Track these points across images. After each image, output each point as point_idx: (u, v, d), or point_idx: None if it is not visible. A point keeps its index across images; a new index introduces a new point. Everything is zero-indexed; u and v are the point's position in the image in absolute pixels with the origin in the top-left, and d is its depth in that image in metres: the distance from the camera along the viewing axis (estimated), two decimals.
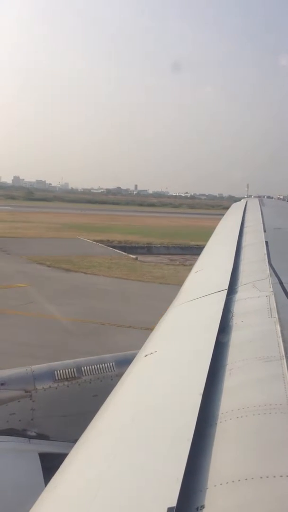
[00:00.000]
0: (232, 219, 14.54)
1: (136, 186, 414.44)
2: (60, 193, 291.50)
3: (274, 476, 1.83)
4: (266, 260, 6.20)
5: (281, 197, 32.79)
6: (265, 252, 6.83)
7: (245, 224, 11.46)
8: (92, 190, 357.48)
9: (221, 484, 1.88)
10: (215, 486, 1.89)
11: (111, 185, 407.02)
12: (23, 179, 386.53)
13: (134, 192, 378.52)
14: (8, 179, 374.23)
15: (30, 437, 6.09)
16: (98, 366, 6.64)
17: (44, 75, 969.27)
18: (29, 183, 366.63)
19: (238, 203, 21.20)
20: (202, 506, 1.79)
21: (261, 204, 17.74)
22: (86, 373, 6.54)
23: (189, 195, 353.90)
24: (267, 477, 1.84)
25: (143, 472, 2.12)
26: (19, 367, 6.65)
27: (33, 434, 6.13)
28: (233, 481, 1.87)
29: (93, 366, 6.63)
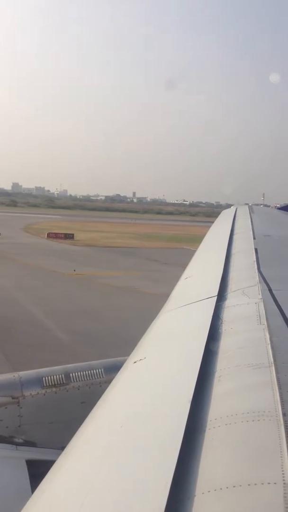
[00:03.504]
0: (222, 226, 14.60)
1: (134, 193, 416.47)
2: (80, 201, 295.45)
3: (262, 483, 1.83)
4: (256, 267, 6.22)
5: (278, 205, 33.03)
6: (255, 259, 6.85)
7: (235, 231, 11.50)
8: (91, 197, 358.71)
9: (209, 491, 1.87)
10: (203, 493, 1.88)
11: (108, 192, 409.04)
12: (22, 186, 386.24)
13: (134, 200, 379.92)
14: (6, 186, 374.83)
15: (17, 444, 6.03)
16: (86, 372, 6.61)
17: (42, 82, 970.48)
18: (27, 190, 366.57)
19: (228, 210, 21.29)
20: None
21: (251, 211, 17.83)
22: (75, 380, 6.51)
23: (187, 203, 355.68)
24: (255, 484, 1.83)
25: (131, 480, 2.11)
26: (6, 374, 6.60)
27: (20, 441, 6.08)
28: (221, 489, 1.86)
29: (81, 373, 6.59)
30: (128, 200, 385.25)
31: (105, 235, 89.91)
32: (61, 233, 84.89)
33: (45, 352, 21.19)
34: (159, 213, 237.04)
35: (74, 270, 47.33)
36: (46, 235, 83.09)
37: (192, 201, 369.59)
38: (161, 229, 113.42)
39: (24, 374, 6.56)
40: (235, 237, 10.44)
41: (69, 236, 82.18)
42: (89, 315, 30.56)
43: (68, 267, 49.17)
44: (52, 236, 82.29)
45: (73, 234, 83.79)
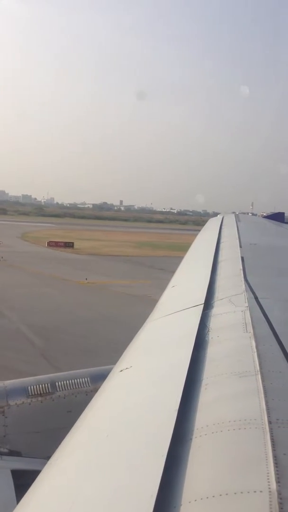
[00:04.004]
0: (208, 234, 14.66)
1: (121, 201, 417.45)
2: (68, 209, 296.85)
3: (248, 492, 1.83)
4: (242, 275, 6.25)
5: (264, 214, 33.36)
6: (241, 267, 6.89)
7: (221, 240, 11.56)
8: (78, 205, 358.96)
9: (195, 500, 1.87)
10: (189, 502, 1.87)
11: (95, 200, 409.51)
12: (8, 193, 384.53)
13: (122, 208, 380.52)
14: None
15: (2, 454, 5.97)
16: (72, 381, 6.57)
17: (25, 89, 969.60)
18: (14, 198, 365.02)
19: (214, 218, 21.40)
20: None
21: (237, 220, 17.94)
22: (61, 389, 6.47)
23: (175, 211, 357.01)
24: (241, 492, 1.83)
25: (117, 489, 2.09)
26: None
27: (5, 450, 6.01)
28: (207, 497, 1.85)
29: (67, 381, 6.56)
30: (116, 208, 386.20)
31: (104, 244, 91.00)
32: (61, 242, 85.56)
33: (94, 359, 21.31)
34: (149, 221, 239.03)
35: (86, 279, 48.11)
36: (46, 243, 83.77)
37: (180, 209, 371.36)
38: (157, 238, 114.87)
39: (9, 383, 6.51)
40: (221, 245, 10.49)
41: (69, 245, 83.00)
42: (116, 323, 30.93)
43: (78, 276, 50.29)
44: (53, 244, 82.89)
45: (73, 243, 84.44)
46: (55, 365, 21.62)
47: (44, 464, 2.69)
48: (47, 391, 6.39)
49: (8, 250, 70.03)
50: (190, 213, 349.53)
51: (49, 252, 74.30)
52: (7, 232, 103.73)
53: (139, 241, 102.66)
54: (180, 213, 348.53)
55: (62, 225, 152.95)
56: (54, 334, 28.37)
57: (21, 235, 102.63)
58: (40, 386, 6.41)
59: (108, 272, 55.16)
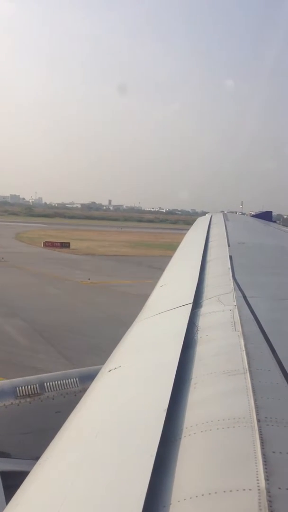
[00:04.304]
0: (197, 233, 14.70)
1: (110, 201, 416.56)
2: (58, 209, 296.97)
3: (238, 490, 1.83)
4: (230, 274, 6.28)
5: (253, 213, 33.62)
6: (229, 266, 6.91)
7: (210, 239, 11.60)
8: (66, 205, 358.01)
9: (185, 499, 1.87)
10: (178, 501, 1.87)
11: (83, 199, 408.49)
12: None
13: (111, 208, 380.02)
14: None
15: None
16: (61, 382, 6.55)
17: (13, 89, 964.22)
18: (2, 198, 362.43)
19: (202, 217, 21.47)
20: None
21: (225, 218, 18.01)
22: (49, 389, 6.45)
23: (164, 210, 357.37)
24: (231, 491, 1.83)
25: (106, 489, 2.09)
26: None
27: None
28: (196, 496, 1.86)
29: (56, 382, 6.54)
30: (104, 208, 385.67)
31: (98, 244, 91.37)
32: (57, 242, 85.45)
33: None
34: (140, 221, 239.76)
35: (89, 279, 48.37)
36: (42, 244, 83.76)
37: (168, 209, 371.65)
38: (150, 237, 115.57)
39: None
40: (210, 244, 10.52)
41: (65, 245, 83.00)
42: (126, 323, 30.82)
43: (79, 276, 50.53)
44: (49, 245, 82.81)
45: (69, 243, 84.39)
46: (74, 362, 21.94)
47: (33, 465, 2.67)
48: (36, 392, 6.37)
49: (6, 250, 69.94)
50: (179, 213, 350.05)
51: (46, 253, 74.43)
52: (0, 232, 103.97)
53: (133, 240, 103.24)
54: (169, 212, 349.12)
55: (53, 225, 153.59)
56: (67, 334, 28.60)
57: (15, 236, 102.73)
58: (29, 387, 6.38)
59: (108, 272, 55.34)
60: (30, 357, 23.81)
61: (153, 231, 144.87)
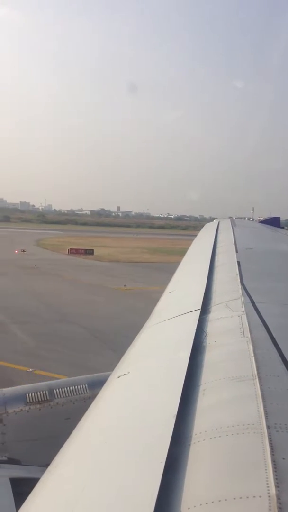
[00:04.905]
0: (204, 239, 14.69)
1: (119, 207, 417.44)
2: (69, 216, 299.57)
3: (248, 497, 1.83)
4: (238, 280, 6.26)
5: (261, 219, 33.52)
6: (237, 272, 6.90)
7: (218, 245, 11.58)
8: (76, 212, 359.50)
9: (194, 506, 1.87)
10: (188, 508, 1.87)
11: (92, 206, 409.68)
12: (6, 201, 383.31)
13: (120, 214, 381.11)
14: None
15: (1, 462, 5.95)
16: (70, 388, 6.56)
17: (21, 97, 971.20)
18: (12, 205, 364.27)
19: (210, 223, 21.45)
20: None
21: (233, 224, 17.98)
22: (59, 396, 6.46)
23: (172, 216, 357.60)
24: (241, 498, 1.83)
25: (117, 495, 2.09)
26: None
27: (4, 458, 5.99)
28: (206, 503, 1.86)
29: (65, 389, 6.55)
30: (113, 214, 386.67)
31: (119, 250, 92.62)
32: (81, 249, 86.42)
33: None
34: (151, 227, 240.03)
35: (124, 285, 49.09)
36: (67, 251, 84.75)
37: (177, 215, 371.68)
38: (166, 244, 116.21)
39: (8, 390, 6.50)
40: (217, 250, 10.51)
41: (89, 252, 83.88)
42: None
43: (114, 283, 51.25)
44: (73, 252, 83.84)
45: (92, 250, 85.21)
46: None
47: (43, 471, 2.68)
48: (45, 399, 6.38)
49: (35, 258, 71.58)
50: (188, 218, 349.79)
51: (73, 260, 75.55)
52: (21, 240, 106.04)
53: (151, 247, 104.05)
54: (177, 218, 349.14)
55: (68, 232, 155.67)
56: (120, 338, 28.80)
57: (36, 243, 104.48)
58: (38, 393, 6.40)
59: (139, 279, 55.82)
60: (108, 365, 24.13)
61: (167, 237, 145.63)
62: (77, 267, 64.72)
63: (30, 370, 21.93)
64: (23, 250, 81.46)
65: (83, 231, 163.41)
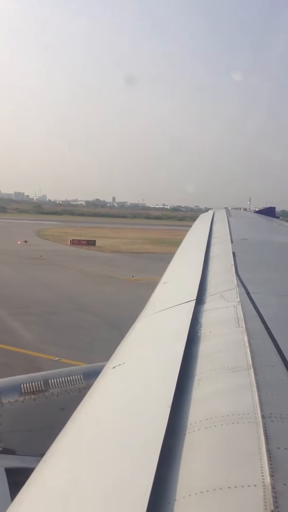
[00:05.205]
0: (199, 230, 14.67)
1: (114, 198, 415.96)
2: (64, 206, 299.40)
3: (242, 486, 1.83)
4: (233, 270, 6.27)
5: (256, 209, 33.47)
6: (232, 262, 6.90)
7: (213, 235, 11.57)
8: (71, 202, 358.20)
9: (189, 495, 1.87)
10: (183, 497, 1.88)
11: (86, 196, 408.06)
12: (0, 191, 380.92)
13: (115, 204, 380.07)
14: None
15: None
16: (65, 378, 6.57)
17: (14, 84, 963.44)
18: (6, 195, 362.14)
19: (205, 214, 21.41)
20: None
21: (228, 215, 17.96)
22: (54, 386, 6.46)
23: (168, 207, 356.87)
24: (236, 487, 1.84)
25: (111, 485, 2.10)
26: None
27: None
28: (201, 492, 1.86)
29: (60, 379, 6.55)
30: (109, 205, 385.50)
31: (120, 241, 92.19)
32: (83, 240, 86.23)
33: None
34: (147, 217, 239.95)
35: (132, 276, 49.21)
36: (69, 242, 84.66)
37: (172, 205, 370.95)
38: (165, 234, 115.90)
39: (2, 381, 6.49)
40: (213, 241, 10.51)
41: (91, 243, 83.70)
42: None
43: (121, 273, 51.51)
44: (76, 242, 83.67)
45: (94, 241, 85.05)
46: None
47: (38, 461, 2.68)
48: (40, 389, 6.39)
49: (38, 249, 71.37)
50: (183, 209, 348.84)
51: (76, 250, 75.44)
52: (21, 230, 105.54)
53: (151, 237, 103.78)
54: (173, 209, 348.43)
55: (66, 222, 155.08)
56: None
57: (36, 234, 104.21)
58: (33, 383, 6.40)
59: (145, 269, 55.51)
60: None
61: (165, 228, 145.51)
62: (81, 258, 64.88)
63: (57, 358, 22.28)
64: (26, 241, 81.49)
65: (80, 222, 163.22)
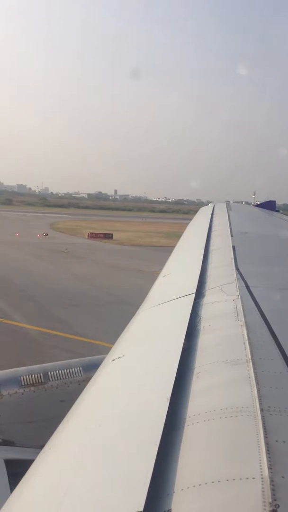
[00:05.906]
0: (199, 223, 14.65)
1: (116, 191, 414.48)
2: (68, 199, 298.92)
3: (241, 479, 1.84)
4: (233, 264, 6.26)
5: (258, 202, 33.30)
6: (232, 256, 6.90)
7: (213, 229, 11.56)
8: (73, 195, 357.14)
9: (188, 488, 1.88)
10: (182, 490, 1.88)
11: (88, 189, 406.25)
12: (3, 183, 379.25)
13: (117, 197, 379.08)
14: None
15: None
16: (65, 371, 6.59)
17: (16, 80, 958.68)
18: (9, 188, 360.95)
19: (205, 207, 21.37)
20: (169, 510, 1.79)
21: (228, 208, 17.93)
22: (53, 378, 6.48)
23: (170, 200, 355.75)
24: (234, 479, 1.85)
25: (110, 477, 2.11)
26: None
27: None
28: (200, 485, 1.87)
29: (60, 371, 6.57)
30: (111, 197, 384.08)
31: (135, 235, 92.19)
32: (100, 233, 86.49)
33: None
34: (152, 211, 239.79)
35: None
36: (87, 235, 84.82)
37: (174, 199, 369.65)
38: (175, 228, 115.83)
39: (2, 373, 6.51)
40: (213, 234, 10.50)
41: (108, 236, 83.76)
42: None
43: (145, 266, 51.31)
44: (93, 236, 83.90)
45: (112, 234, 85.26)
46: None
47: (38, 453, 2.69)
48: (40, 381, 6.41)
49: (60, 242, 71.49)
50: (185, 202, 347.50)
51: (95, 244, 75.51)
52: (34, 223, 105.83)
53: (163, 231, 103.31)
54: (175, 202, 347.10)
55: (75, 215, 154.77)
56: None
57: (50, 226, 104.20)
58: (33, 376, 6.42)
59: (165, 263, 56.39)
60: None
61: (172, 221, 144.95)
62: (105, 251, 65.03)
63: None
64: (46, 234, 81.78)
65: (88, 215, 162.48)
